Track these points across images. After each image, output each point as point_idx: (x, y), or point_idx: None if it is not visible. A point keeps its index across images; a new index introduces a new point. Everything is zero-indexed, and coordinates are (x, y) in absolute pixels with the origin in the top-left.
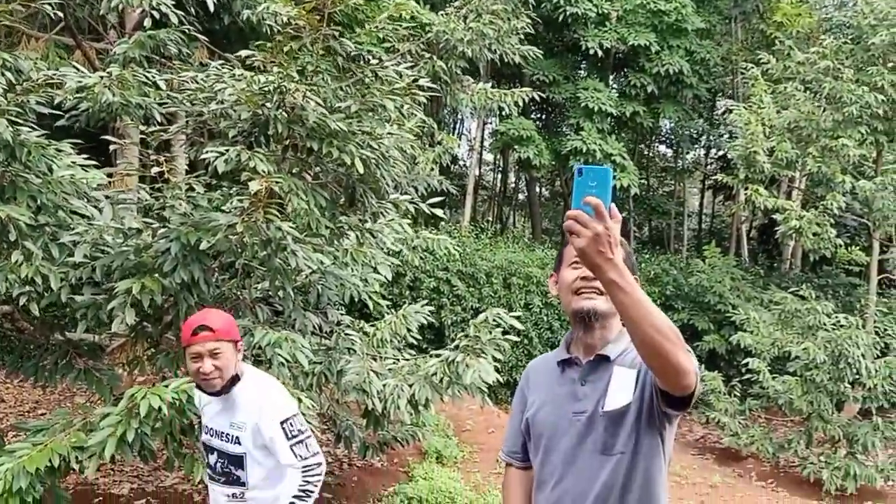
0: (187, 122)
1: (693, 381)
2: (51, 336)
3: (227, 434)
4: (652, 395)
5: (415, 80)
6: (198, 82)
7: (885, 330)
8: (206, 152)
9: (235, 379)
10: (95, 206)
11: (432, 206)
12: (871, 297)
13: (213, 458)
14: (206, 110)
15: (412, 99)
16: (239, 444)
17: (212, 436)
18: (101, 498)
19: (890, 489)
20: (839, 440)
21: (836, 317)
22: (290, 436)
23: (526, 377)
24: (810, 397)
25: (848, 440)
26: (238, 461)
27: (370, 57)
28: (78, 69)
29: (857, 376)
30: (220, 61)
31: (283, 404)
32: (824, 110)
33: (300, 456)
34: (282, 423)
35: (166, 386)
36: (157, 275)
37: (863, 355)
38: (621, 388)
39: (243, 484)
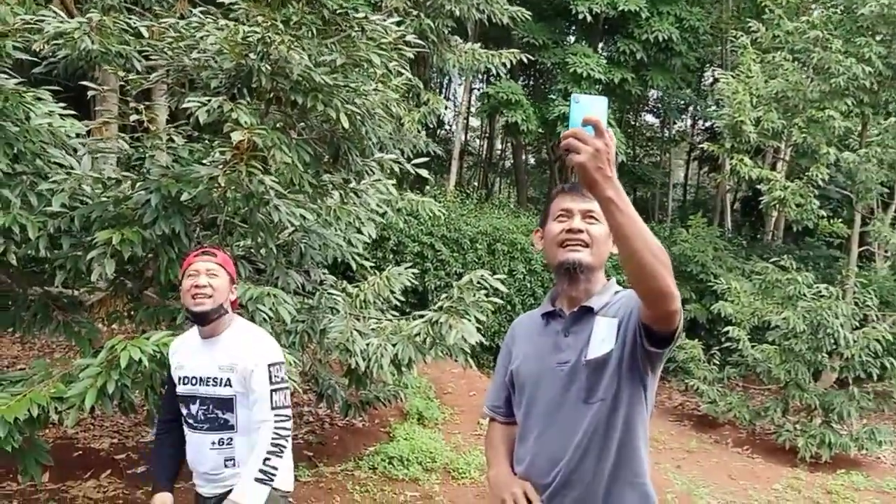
0: (168, 71)
1: (678, 309)
2: (29, 289)
3: (216, 378)
4: (635, 340)
5: (402, 36)
6: (179, 31)
7: (864, 301)
8: (188, 102)
9: (223, 314)
10: (74, 156)
11: (417, 166)
12: (851, 268)
13: (194, 408)
14: (187, 59)
15: (399, 55)
16: (230, 385)
17: (194, 384)
18: (80, 452)
19: (864, 458)
20: (815, 409)
21: (817, 287)
22: (273, 380)
23: (511, 332)
24: (788, 366)
25: (824, 409)
26: (227, 404)
27: (356, 12)
28: (57, 14)
29: (835, 346)
30: (202, 9)
31: (273, 349)
32: (812, 81)
33: (276, 403)
34: (269, 365)
35: (147, 339)
36: (136, 227)
37: (842, 325)
38: (603, 338)
39: (231, 427)
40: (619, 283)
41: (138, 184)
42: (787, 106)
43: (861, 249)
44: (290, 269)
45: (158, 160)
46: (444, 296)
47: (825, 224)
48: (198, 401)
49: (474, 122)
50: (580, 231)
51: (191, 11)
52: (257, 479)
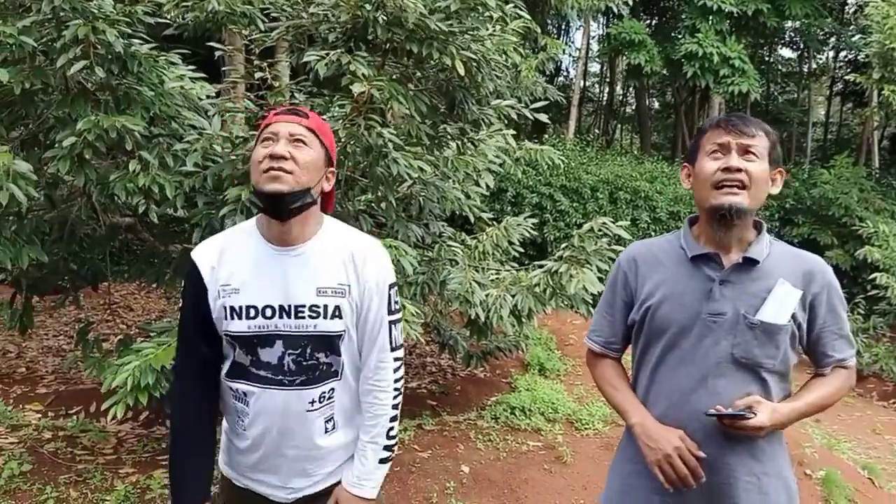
0: (287, 28)
1: None
2: (171, 245)
3: (315, 307)
4: (801, 339)
5: None
6: None
7: None
8: (307, 56)
9: (309, 204)
10: (205, 117)
11: (536, 111)
12: None
13: (272, 353)
14: (305, 15)
15: None
16: (339, 316)
17: (270, 315)
18: None
19: None
20: None
21: None
22: (392, 309)
23: (631, 262)
24: None
25: None
26: (332, 344)
27: None
28: None
29: None
30: None
31: (390, 264)
32: None
33: (396, 341)
34: (390, 287)
35: None
36: None
37: None
38: (782, 305)
39: (336, 374)
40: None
41: None
42: None
43: None
44: (410, 223)
45: None
46: (564, 245)
47: None
48: (281, 342)
49: (593, 67)
50: (738, 170)
51: None
52: (383, 461)
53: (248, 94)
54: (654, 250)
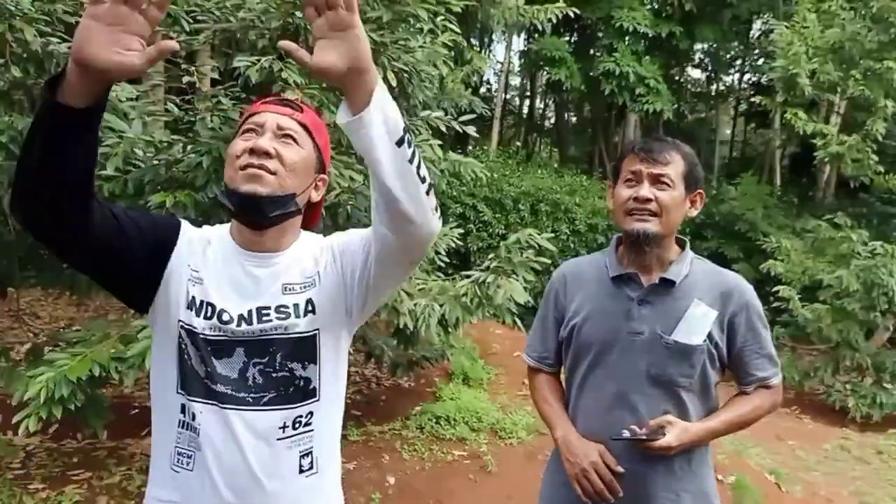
0: (214, 32)
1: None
2: None
3: (282, 307)
4: (724, 363)
5: None
6: None
7: None
8: (238, 62)
9: (291, 213)
10: (125, 120)
11: (465, 124)
12: None
13: (232, 365)
14: (233, 20)
15: (446, 9)
16: (313, 311)
17: (228, 321)
18: (137, 410)
19: None
20: (867, 369)
21: (872, 245)
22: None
23: (562, 280)
24: (840, 326)
25: (876, 369)
26: (306, 349)
27: None
28: None
29: (889, 306)
30: None
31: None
32: (870, 30)
33: None
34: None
35: None
36: (188, 190)
37: None
38: (696, 325)
39: (313, 394)
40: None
41: (188, 146)
42: (843, 57)
43: None
44: (337, 231)
45: (208, 122)
46: (491, 255)
47: (881, 180)
48: (243, 350)
49: (513, 80)
50: (648, 200)
51: None
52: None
53: (171, 97)
54: (583, 269)
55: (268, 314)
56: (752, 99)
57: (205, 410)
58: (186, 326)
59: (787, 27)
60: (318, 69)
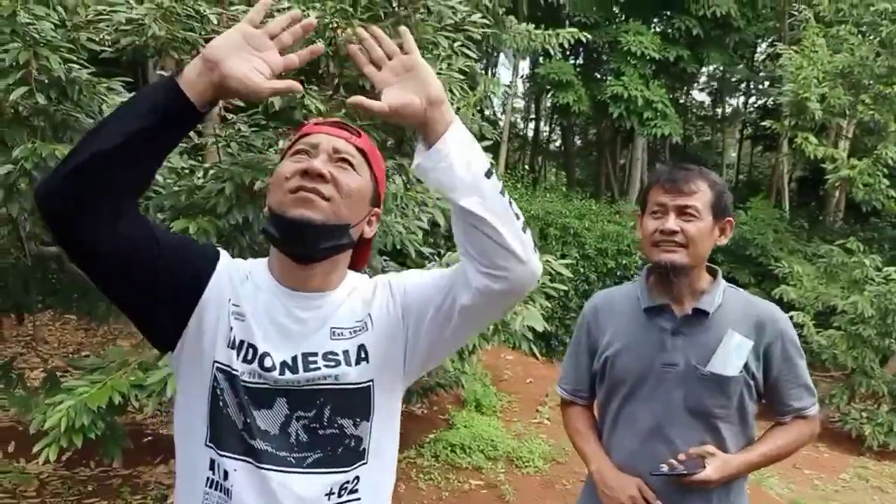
0: None
1: None
2: None
3: (331, 354)
4: (762, 390)
5: (468, 16)
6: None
7: None
8: None
9: (343, 245)
10: None
11: (483, 150)
12: None
13: (273, 418)
14: None
15: (465, 36)
16: (365, 359)
17: (270, 367)
18: (150, 437)
19: None
20: (883, 396)
21: (886, 270)
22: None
23: (594, 313)
24: (855, 352)
25: (892, 396)
26: (359, 403)
27: None
28: (127, 0)
29: None
30: None
31: None
32: (879, 55)
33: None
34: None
35: None
36: (210, 216)
37: None
38: (732, 356)
39: (361, 455)
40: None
41: (210, 172)
42: (852, 82)
43: None
44: None
45: (230, 148)
46: None
47: (891, 204)
48: (285, 400)
49: (518, 103)
50: (674, 232)
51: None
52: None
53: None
54: (615, 300)
55: (314, 361)
56: (763, 123)
57: (239, 469)
58: (225, 368)
59: (795, 51)
60: (394, 110)
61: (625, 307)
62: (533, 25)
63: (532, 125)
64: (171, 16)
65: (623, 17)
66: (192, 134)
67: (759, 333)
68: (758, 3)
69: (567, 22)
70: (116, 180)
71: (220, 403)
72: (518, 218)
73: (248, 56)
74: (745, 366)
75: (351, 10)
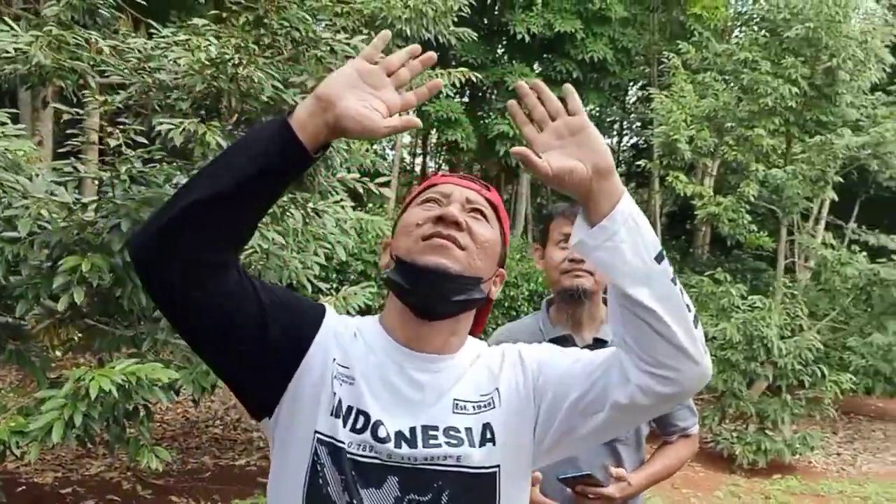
0: (131, 93)
1: None
2: None
3: (453, 430)
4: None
5: None
6: (147, 51)
7: (795, 312)
8: (160, 125)
9: (474, 301)
10: (28, 178)
11: (380, 185)
12: (779, 279)
13: (383, 499)
14: (150, 80)
15: None
16: (491, 441)
17: (384, 437)
18: (24, 486)
19: (797, 462)
20: (751, 416)
21: (751, 299)
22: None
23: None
24: (725, 375)
25: (759, 416)
26: (484, 490)
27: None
28: (13, 28)
29: (768, 356)
30: (171, 29)
31: None
32: (741, 101)
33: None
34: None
35: (112, 367)
36: (103, 253)
37: (774, 335)
38: None
39: None
40: None
41: (104, 207)
42: (717, 125)
43: (786, 262)
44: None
45: (124, 184)
46: None
47: (752, 238)
48: (397, 479)
49: (405, 138)
50: (582, 260)
51: (158, 31)
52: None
53: (83, 156)
54: (516, 334)
55: (435, 437)
56: (638, 162)
57: None
58: (327, 439)
59: (666, 96)
60: (556, 174)
61: (528, 340)
62: None
63: (420, 160)
64: (60, 44)
65: (508, 59)
66: (92, 168)
67: None
68: (631, 51)
69: (454, 62)
70: (215, 230)
71: (320, 481)
72: (690, 310)
73: (363, 94)
74: None
75: (254, 45)
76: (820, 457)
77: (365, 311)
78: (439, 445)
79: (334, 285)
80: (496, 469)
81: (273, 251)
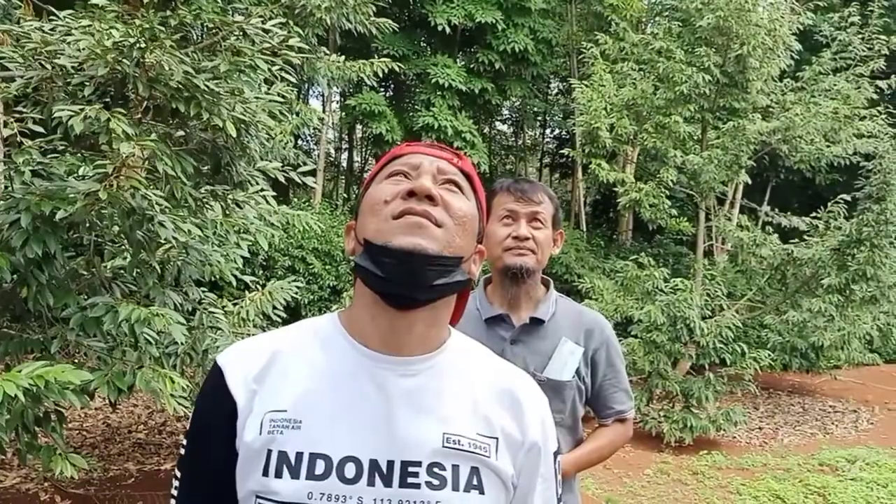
0: (29, 80)
1: None
2: None
3: (437, 466)
4: (588, 394)
5: (285, 40)
6: (45, 33)
7: (715, 292)
8: (59, 112)
9: (459, 285)
10: None
11: (303, 174)
12: (699, 262)
13: None
14: (49, 66)
15: (284, 60)
16: (479, 489)
17: (353, 477)
18: None
19: (721, 438)
20: (676, 395)
21: (673, 282)
22: (559, 493)
23: None
24: (651, 357)
25: (684, 395)
26: None
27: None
28: None
29: (691, 336)
30: (70, 11)
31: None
32: (658, 89)
33: None
34: (556, 455)
35: (19, 371)
36: (2, 250)
37: (696, 316)
38: (565, 362)
39: None
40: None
41: (1, 202)
42: (637, 113)
43: (705, 245)
44: (167, 289)
45: (23, 177)
46: (334, 307)
47: (672, 223)
48: None
49: (329, 134)
50: (526, 238)
51: (57, 16)
52: None
53: None
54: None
55: (416, 474)
56: (562, 151)
57: None
58: (263, 498)
59: (586, 86)
60: None
61: (465, 319)
62: (343, 57)
63: (346, 155)
64: None
65: (430, 52)
66: None
67: (587, 340)
68: (551, 41)
69: (376, 55)
70: None
71: None
72: None
73: None
74: (577, 371)
75: (160, 29)
76: (743, 431)
77: (292, 306)
78: (418, 486)
79: (261, 282)
80: None
81: (192, 245)
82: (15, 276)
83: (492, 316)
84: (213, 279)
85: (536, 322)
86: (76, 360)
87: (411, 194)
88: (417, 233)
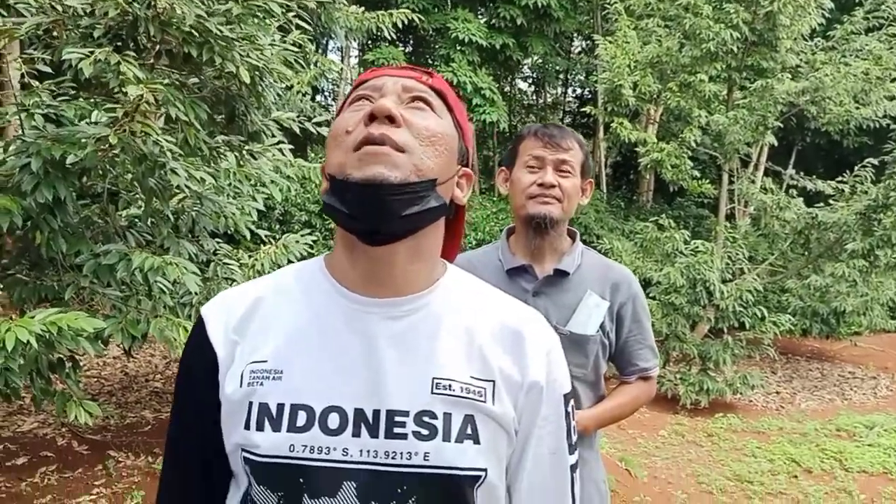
0: (39, 21)
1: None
2: None
3: (428, 415)
4: (612, 350)
5: None
6: None
7: (736, 255)
8: (67, 54)
9: (432, 228)
10: None
11: (318, 125)
12: (720, 225)
13: None
14: (59, 7)
15: (299, 5)
16: (475, 439)
17: (338, 427)
18: None
19: (738, 402)
20: (693, 358)
21: (694, 244)
22: (572, 441)
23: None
24: (669, 319)
25: (701, 358)
26: (458, 497)
27: None
28: None
29: (710, 299)
30: None
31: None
32: (684, 46)
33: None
34: (566, 398)
35: (32, 317)
36: (13, 194)
37: (716, 279)
38: (590, 316)
39: None
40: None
41: (11, 147)
42: (661, 70)
43: (727, 208)
44: (182, 239)
45: (35, 120)
46: None
47: (694, 185)
48: (354, 485)
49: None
50: (553, 186)
51: None
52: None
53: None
54: (475, 264)
55: (402, 423)
56: (583, 109)
57: None
58: (254, 458)
59: (610, 42)
60: None
61: (486, 270)
62: (363, 9)
63: None
64: None
65: (451, 5)
66: None
67: (613, 295)
68: None
69: (396, 8)
70: None
71: (253, 498)
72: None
73: None
74: (601, 325)
75: None
76: (760, 395)
77: (298, 259)
78: (404, 436)
79: (277, 236)
80: (479, 474)
81: (207, 195)
82: (28, 222)
83: (514, 267)
84: (228, 232)
85: (561, 274)
86: (91, 308)
87: (372, 118)
88: (377, 161)
